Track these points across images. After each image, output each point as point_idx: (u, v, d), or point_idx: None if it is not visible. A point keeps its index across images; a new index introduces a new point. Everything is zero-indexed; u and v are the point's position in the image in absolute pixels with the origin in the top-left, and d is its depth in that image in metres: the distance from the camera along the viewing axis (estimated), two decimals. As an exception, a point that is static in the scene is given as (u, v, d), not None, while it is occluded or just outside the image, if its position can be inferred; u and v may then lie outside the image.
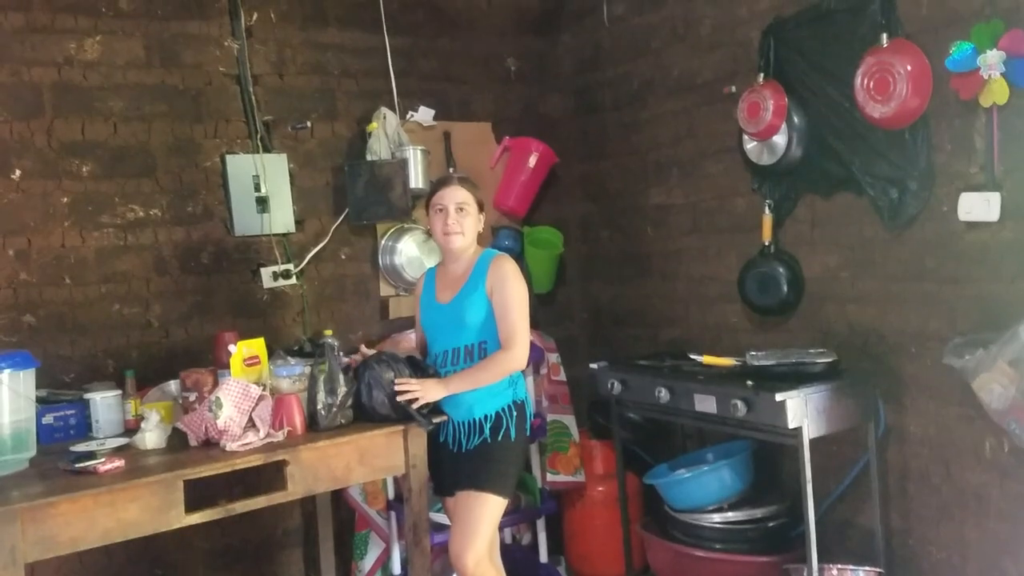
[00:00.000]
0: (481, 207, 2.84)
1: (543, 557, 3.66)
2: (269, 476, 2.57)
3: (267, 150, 3.45)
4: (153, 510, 2.31)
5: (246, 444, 2.50)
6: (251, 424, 2.59)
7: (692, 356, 3.19)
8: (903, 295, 2.86)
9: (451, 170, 3.73)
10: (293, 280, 3.48)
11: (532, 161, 3.91)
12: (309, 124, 3.55)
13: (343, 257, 3.66)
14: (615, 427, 3.41)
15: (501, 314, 2.72)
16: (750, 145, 3.22)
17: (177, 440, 2.59)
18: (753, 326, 3.36)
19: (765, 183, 3.23)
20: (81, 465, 2.31)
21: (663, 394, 3.00)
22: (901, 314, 2.86)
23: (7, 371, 2.36)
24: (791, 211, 3.19)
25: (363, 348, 2.89)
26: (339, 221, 3.61)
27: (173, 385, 2.93)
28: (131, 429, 2.72)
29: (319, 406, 2.65)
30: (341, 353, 2.77)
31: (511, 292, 2.72)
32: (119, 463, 2.34)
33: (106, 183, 3.15)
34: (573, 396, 3.83)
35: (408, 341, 3.46)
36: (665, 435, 3.65)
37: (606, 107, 4.03)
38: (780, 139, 3.08)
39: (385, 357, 2.77)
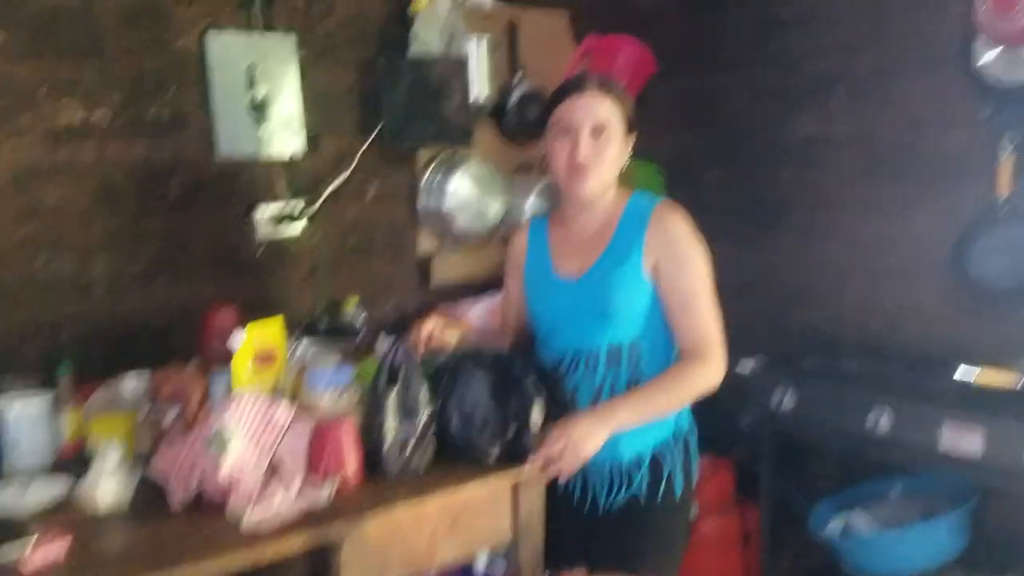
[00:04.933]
0: (632, 127, 1.82)
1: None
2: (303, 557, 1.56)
3: (268, 28, 2.35)
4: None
5: (273, 513, 1.47)
6: (272, 470, 1.56)
7: (962, 370, 2.17)
8: None
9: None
10: (302, 226, 2.46)
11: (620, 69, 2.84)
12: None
13: (371, 196, 2.64)
14: (765, 461, 2.45)
15: (682, 303, 1.73)
16: (989, 56, 2.26)
17: (147, 492, 1.56)
18: (963, 313, 2.41)
19: (1004, 110, 2.28)
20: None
21: (883, 420, 2.04)
22: None
23: None
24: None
25: (425, 333, 1.85)
26: (368, 142, 2.56)
27: (130, 385, 1.91)
28: (66, 459, 1.75)
29: (387, 441, 1.63)
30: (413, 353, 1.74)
31: (695, 267, 1.75)
32: (59, 549, 1.31)
33: (28, 65, 2.04)
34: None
35: (468, 321, 2.44)
36: (805, 455, 2.70)
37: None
38: (1042, 48, 2.13)
39: (487, 359, 1.74)
